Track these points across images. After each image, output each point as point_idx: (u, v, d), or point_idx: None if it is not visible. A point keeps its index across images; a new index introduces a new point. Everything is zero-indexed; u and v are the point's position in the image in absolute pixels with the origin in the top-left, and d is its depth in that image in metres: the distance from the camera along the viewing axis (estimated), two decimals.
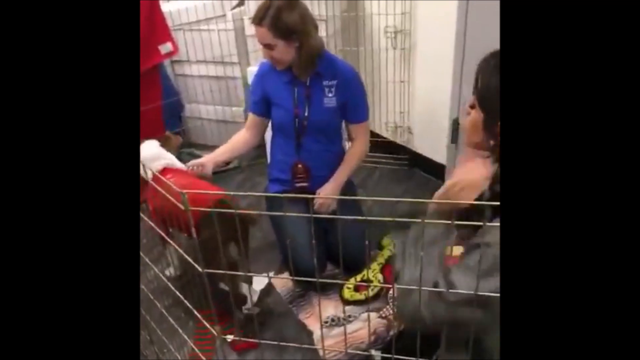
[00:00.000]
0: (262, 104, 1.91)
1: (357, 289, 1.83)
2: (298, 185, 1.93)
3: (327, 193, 1.86)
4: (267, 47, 1.74)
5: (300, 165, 1.91)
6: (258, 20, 1.71)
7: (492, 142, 0.93)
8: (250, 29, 2.68)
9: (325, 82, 1.83)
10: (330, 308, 1.77)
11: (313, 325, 1.74)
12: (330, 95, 1.84)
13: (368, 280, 1.84)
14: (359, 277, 1.86)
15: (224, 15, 2.72)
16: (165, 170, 1.77)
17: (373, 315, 1.69)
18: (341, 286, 1.83)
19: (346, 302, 1.80)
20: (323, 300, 1.81)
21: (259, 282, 1.90)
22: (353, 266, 1.85)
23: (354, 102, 1.88)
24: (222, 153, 1.96)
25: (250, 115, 1.98)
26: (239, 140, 1.98)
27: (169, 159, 1.83)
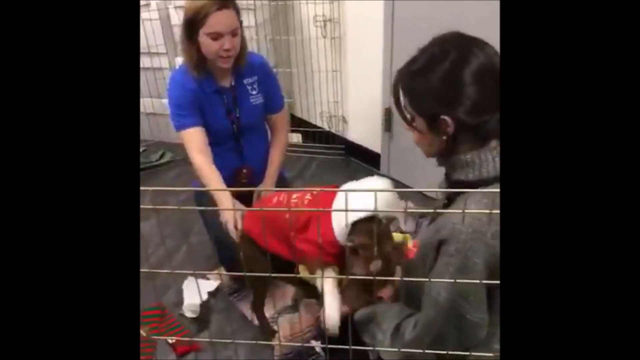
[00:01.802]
0: (197, 113, 1.69)
1: None
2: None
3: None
4: (232, 33, 1.58)
5: (245, 170, 1.84)
6: (223, 2, 1.54)
7: (444, 138, 0.94)
8: (175, 18, 2.58)
9: (246, 81, 1.76)
10: (276, 298, 1.76)
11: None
12: (254, 92, 1.78)
13: None
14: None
15: (148, 4, 2.60)
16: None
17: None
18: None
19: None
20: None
21: (205, 286, 1.86)
22: None
23: (272, 93, 1.84)
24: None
25: (198, 132, 1.67)
26: (215, 170, 1.67)
27: None
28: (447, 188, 1.01)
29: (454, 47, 0.90)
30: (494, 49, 0.90)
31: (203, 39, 1.58)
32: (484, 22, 1.32)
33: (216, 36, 1.56)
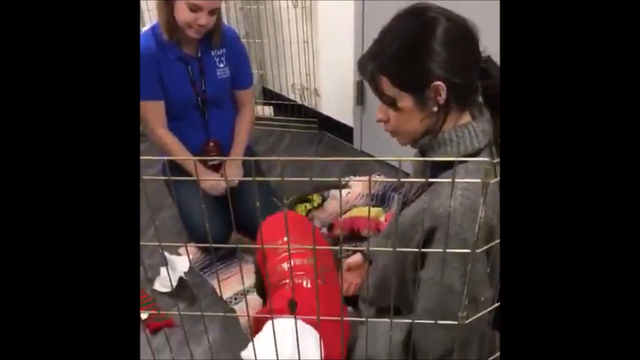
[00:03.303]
0: (159, 85, 1.68)
1: None
2: (211, 164, 1.85)
3: (232, 168, 1.82)
4: (211, 12, 1.56)
5: (212, 144, 1.81)
6: None
7: (435, 109, 0.90)
8: None
9: (214, 52, 1.72)
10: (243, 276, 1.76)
11: (227, 290, 1.72)
12: (221, 65, 1.74)
13: None
14: None
15: None
16: None
17: None
18: None
19: None
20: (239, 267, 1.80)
21: (182, 263, 1.83)
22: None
23: (241, 68, 1.81)
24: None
25: (158, 105, 1.69)
26: (178, 141, 1.75)
27: None
28: (426, 167, 1.01)
29: (415, 15, 0.90)
30: (457, 14, 0.90)
31: (180, 5, 1.54)
32: None
33: (195, 8, 1.53)
